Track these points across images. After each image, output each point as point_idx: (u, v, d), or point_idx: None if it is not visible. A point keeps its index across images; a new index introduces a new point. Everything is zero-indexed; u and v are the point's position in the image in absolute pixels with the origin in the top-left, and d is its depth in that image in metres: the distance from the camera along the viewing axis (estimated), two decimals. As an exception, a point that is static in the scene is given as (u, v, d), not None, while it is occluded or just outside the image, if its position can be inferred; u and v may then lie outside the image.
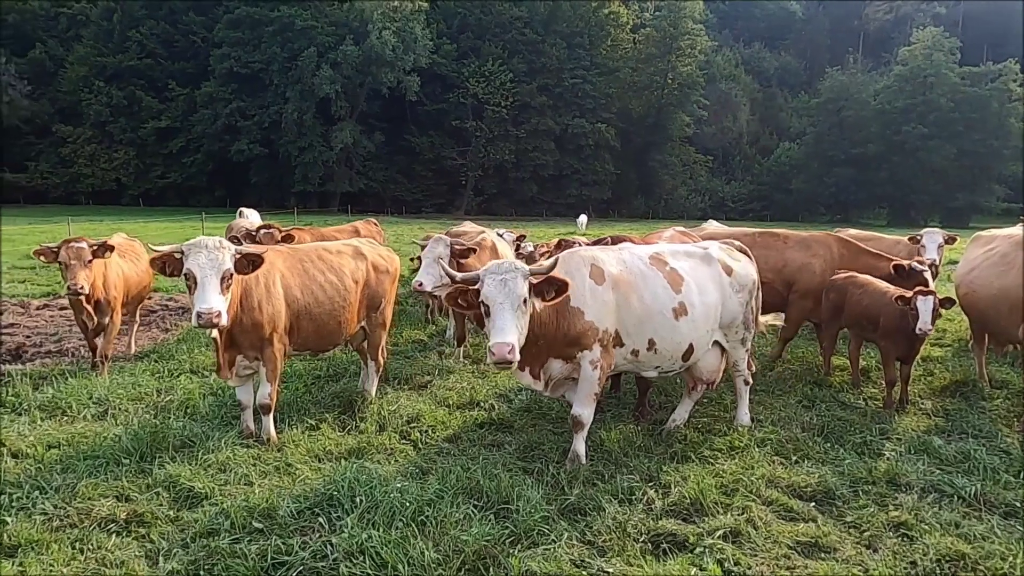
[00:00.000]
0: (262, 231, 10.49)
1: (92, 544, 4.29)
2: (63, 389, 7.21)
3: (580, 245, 8.45)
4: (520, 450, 5.99)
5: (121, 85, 68.29)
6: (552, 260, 5.30)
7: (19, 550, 4.22)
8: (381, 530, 4.33)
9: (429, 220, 51.63)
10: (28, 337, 10.38)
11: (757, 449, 5.94)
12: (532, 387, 5.64)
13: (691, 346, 5.97)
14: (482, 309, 4.99)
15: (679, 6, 73.08)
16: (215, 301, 5.16)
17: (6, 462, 5.46)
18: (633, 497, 4.97)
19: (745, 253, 6.82)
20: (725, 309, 6.24)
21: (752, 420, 6.67)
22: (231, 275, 5.37)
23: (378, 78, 63.90)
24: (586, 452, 5.72)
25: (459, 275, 5.32)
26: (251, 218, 16.98)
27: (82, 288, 7.45)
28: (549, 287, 5.09)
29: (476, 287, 5.03)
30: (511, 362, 4.71)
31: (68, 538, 4.34)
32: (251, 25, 65.26)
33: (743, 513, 4.77)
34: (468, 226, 12.75)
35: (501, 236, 10.92)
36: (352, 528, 4.32)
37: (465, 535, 4.30)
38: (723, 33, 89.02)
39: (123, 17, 69.93)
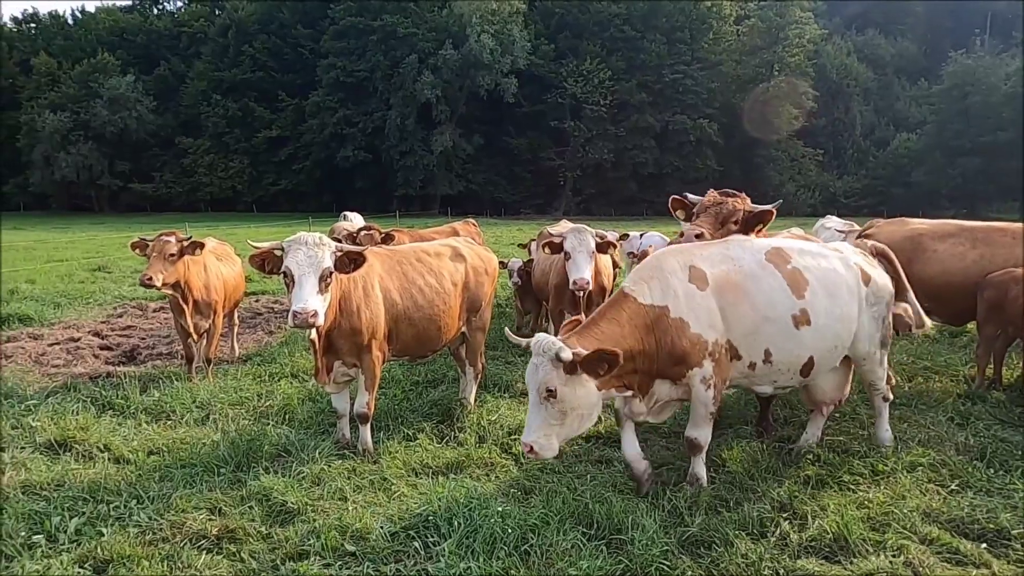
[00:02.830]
0: (362, 232, 10.41)
1: (183, 561, 4.11)
2: (169, 392, 7.26)
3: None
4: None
5: (236, 98, 72.02)
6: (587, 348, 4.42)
7: (110, 565, 4.09)
8: (481, 559, 3.94)
9: (528, 221, 51.44)
10: (143, 339, 10.71)
11: (906, 474, 5.17)
12: (634, 415, 4.98)
13: (811, 360, 5.12)
14: None
15: (785, -6, 69.90)
16: (312, 301, 4.92)
17: (108, 468, 5.43)
18: (765, 530, 4.36)
19: (885, 257, 5.88)
20: (860, 324, 5.29)
21: (895, 439, 5.85)
22: (330, 273, 5.12)
23: (476, 81, 64.43)
24: (706, 474, 5.13)
25: None
26: (353, 220, 17.14)
27: (151, 280, 7.42)
28: (599, 364, 4.36)
29: None
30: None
31: (160, 553, 4.18)
32: (356, 35, 67.20)
33: (899, 554, 4.08)
34: (564, 224, 12.26)
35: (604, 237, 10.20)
36: (449, 556, 3.95)
37: (573, 569, 3.85)
38: (833, 20, 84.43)
39: (237, 33, 73.70)
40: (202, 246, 7.93)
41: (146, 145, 72.64)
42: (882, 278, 5.50)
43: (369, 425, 5.87)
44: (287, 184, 70.94)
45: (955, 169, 66.54)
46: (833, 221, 13.13)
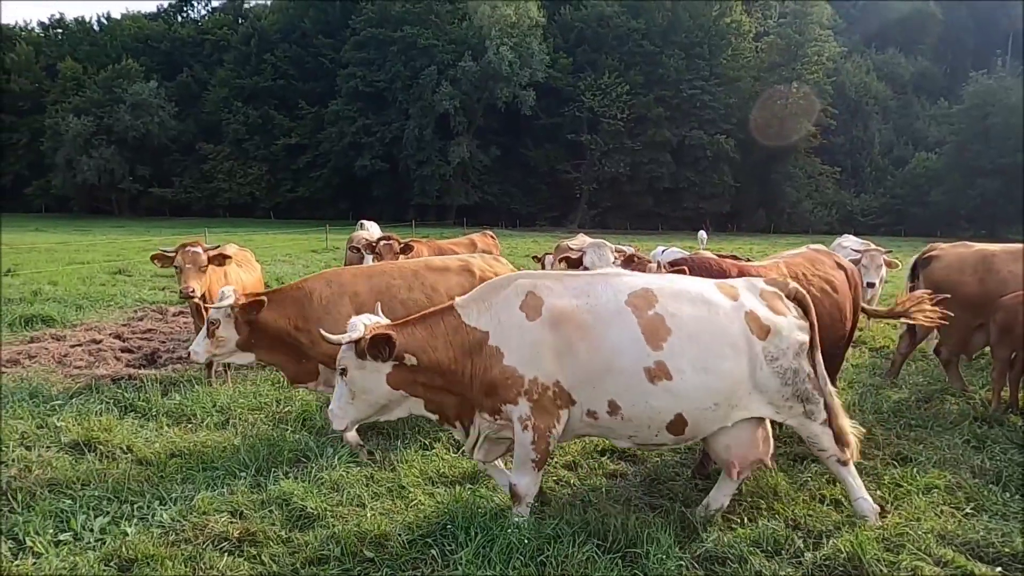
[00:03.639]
0: (382, 243, 10.54)
1: (205, 563, 4.20)
2: (189, 396, 7.39)
3: (651, 262, 7.75)
4: (644, 483, 5.52)
5: (256, 105, 73.01)
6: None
7: (134, 564, 4.18)
8: (498, 568, 3.99)
9: (543, 233, 51.60)
10: (163, 343, 10.85)
11: (921, 496, 5.17)
12: (465, 445, 4.80)
13: (680, 418, 4.45)
14: None
15: (805, 12, 69.86)
16: (193, 344, 6.31)
17: (131, 469, 5.54)
18: (779, 547, 4.38)
19: (798, 301, 4.84)
20: (757, 382, 4.56)
21: (875, 506, 4.86)
22: (213, 322, 6.07)
23: (494, 93, 64.89)
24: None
25: None
26: (371, 229, 17.31)
27: (193, 292, 7.60)
28: (377, 348, 4.33)
29: None
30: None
31: (182, 554, 4.27)
32: (376, 45, 67.89)
33: None
34: (581, 238, 12.34)
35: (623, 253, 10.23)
36: (467, 564, 4.01)
37: (589, 581, 3.89)
38: (853, 38, 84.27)
39: (259, 41, 74.69)
40: (228, 258, 8.09)
41: (167, 150, 73.64)
42: (788, 327, 4.66)
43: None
44: (304, 191, 71.62)
45: (974, 190, 66.07)
46: (850, 240, 13.08)
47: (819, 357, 4.83)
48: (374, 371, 4.42)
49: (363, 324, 4.44)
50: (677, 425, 4.49)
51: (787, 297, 4.85)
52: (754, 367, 4.53)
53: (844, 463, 4.83)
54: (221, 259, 7.95)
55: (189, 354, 6.30)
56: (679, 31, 69.72)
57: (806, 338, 4.73)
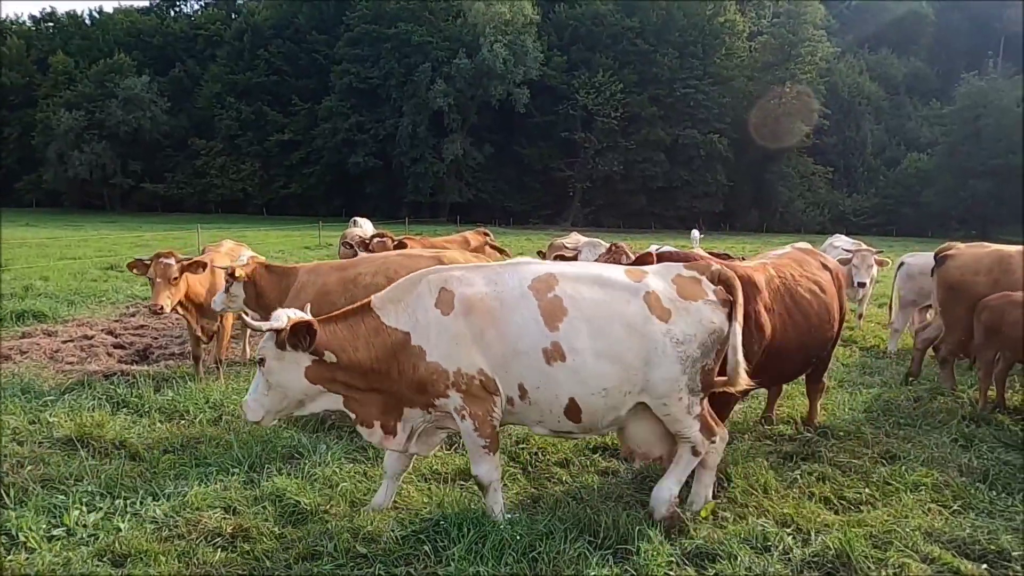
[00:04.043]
0: (375, 240, 10.59)
1: (198, 558, 4.21)
2: (182, 392, 7.39)
3: (626, 252, 7.83)
4: (636, 480, 5.55)
5: (249, 101, 72.66)
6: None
7: (128, 560, 4.19)
8: (490, 564, 4.02)
9: (537, 231, 51.60)
10: (155, 339, 10.83)
11: (909, 494, 5.23)
12: (388, 447, 4.70)
13: (573, 403, 4.48)
14: None
15: (799, 12, 70.04)
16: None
17: (124, 465, 5.55)
18: (768, 544, 4.43)
19: (723, 282, 4.75)
20: (653, 367, 4.48)
21: (674, 504, 4.77)
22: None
23: (488, 90, 64.88)
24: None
25: None
26: (364, 227, 17.34)
27: (161, 309, 7.52)
28: (297, 337, 4.31)
29: None
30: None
31: (175, 550, 4.28)
32: (370, 42, 67.73)
33: (900, 572, 4.14)
34: (574, 237, 12.39)
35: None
36: (459, 561, 4.04)
37: (581, 577, 3.93)
38: (846, 39, 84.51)
39: (253, 37, 74.41)
40: (205, 266, 7.90)
41: (159, 146, 73.35)
42: (698, 314, 4.59)
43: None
44: (297, 188, 71.41)
45: (966, 191, 66.37)
46: (841, 240, 13.18)
47: (737, 341, 4.66)
48: (293, 363, 4.40)
49: (287, 316, 4.43)
50: (573, 411, 4.52)
51: (711, 280, 4.76)
52: (652, 349, 4.48)
53: (697, 454, 4.78)
54: (196, 267, 7.79)
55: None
56: (673, 30, 69.85)
57: (723, 325, 4.64)
